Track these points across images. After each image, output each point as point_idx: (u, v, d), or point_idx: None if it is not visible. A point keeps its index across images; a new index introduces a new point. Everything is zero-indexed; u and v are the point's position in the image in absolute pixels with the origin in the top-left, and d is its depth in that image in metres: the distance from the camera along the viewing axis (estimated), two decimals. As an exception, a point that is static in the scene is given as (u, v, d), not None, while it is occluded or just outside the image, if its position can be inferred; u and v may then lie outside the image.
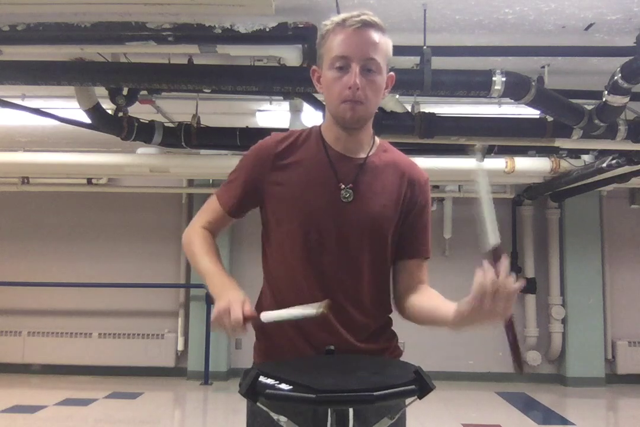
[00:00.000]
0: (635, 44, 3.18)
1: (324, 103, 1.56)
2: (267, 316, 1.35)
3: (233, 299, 1.32)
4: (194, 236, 1.57)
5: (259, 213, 1.57)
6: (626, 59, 3.14)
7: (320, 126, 1.57)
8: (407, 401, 1.31)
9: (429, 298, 1.48)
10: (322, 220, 1.47)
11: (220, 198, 1.58)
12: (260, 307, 1.57)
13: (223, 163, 5.20)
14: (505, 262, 1.18)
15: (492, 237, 1.26)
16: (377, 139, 1.59)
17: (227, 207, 1.56)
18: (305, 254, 1.47)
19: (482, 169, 1.32)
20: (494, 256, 1.22)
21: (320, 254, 1.47)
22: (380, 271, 1.52)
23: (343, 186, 1.48)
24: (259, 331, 1.56)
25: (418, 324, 1.51)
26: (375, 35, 1.42)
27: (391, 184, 1.52)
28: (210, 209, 1.60)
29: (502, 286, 1.17)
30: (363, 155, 1.53)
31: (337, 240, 1.47)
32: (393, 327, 1.59)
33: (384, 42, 1.44)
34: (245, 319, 1.29)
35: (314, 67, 1.53)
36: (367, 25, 1.41)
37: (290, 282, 1.49)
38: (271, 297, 1.53)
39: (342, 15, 1.43)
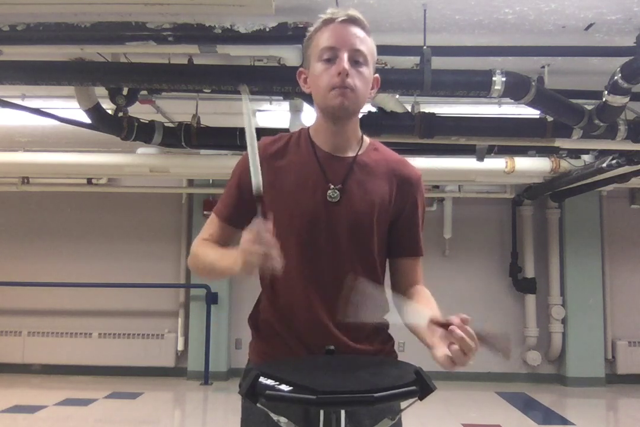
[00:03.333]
0: (635, 44, 3.18)
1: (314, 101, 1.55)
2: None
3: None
4: (196, 248, 1.54)
5: None
6: (626, 59, 3.14)
7: (309, 128, 1.58)
8: (408, 402, 1.31)
9: (416, 306, 1.45)
10: (311, 221, 1.47)
11: (216, 209, 1.58)
12: (257, 310, 1.57)
13: (223, 163, 5.20)
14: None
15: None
16: (367, 138, 1.59)
17: (223, 216, 1.55)
18: (297, 256, 1.46)
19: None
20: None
21: (312, 255, 1.47)
22: (371, 271, 1.51)
23: (332, 186, 1.48)
24: (254, 330, 1.56)
25: None
26: (361, 32, 1.45)
27: (381, 182, 1.51)
28: (209, 222, 1.59)
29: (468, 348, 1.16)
30: (352, 155, 1.53)
31: (327, 240, 1.47)
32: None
33: (370, 40, 1.47)
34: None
35: (300, 69, 1.54)
36: (353, 20, 1.44)
37: (283, 282, 1.48)
38: (265, 297, 1.54)
39: (327, 12, 1.46)
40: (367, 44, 1.45)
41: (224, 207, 1.56)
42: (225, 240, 1.54)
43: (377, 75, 1.51)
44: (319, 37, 1.46)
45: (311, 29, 1.49)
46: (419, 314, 1.30)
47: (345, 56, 1.41)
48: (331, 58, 1.43)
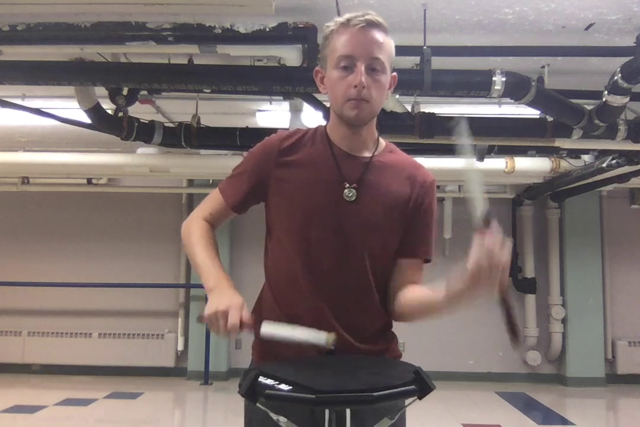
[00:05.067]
0: (635, 44, 3.18)
1: (328, 104, 1.56)
2: (267, 329, 1.34)
3: (232, 303, 1.31)
4: (194, 226, 1.55)
5: (262, 210, 1.56)
6: (626, 59, 3.14)
7: (325, 126, 1.57)
8: (407, 401, 1.31)
9: (416, 290, 1.48)
10: (324, 218, 1.46)
11: (224, 192, 1.56)
12: (260, 303, 1.57)
13: (223, 163, 5.21)
14: (496, 231, 1.18)
15: (480, 206, 1.21)
16: (383, 141, 1.59)
17: (231, 202, 1.55)
18: (304, 252, 1.46)
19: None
20: (485, 226, 1.19)
21: (320, 252, 1.46)
22: (380, 271, 1.51)
23: (347, 185, 1.47)
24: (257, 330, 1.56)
25: (411, 321, 1.51)
26: (380, 35, 1.43)
27: (396, 184, 1.51)
28: (213, 202, 1.58)
29: (496, 258, 1.17)
30: (368, 155, 1.52)
31: (337, 239, 1.46)
32: (393, 328, 1.58)
33: (388, 42, 1.45)
34: (242, 326, 1.28)
35: (317, 68, 1.54)
36: (372, 25, 1.42)
37: (289, 280, 1.48)
38: (270, 293, 1.53)
39: (346, 15, 1.44)
40: (385, 48, 1.44)
41: (233, 192, 1.54)
42: (222, 221, 1.59)
43: (394, 73, 1.50)
44: (336, 40, 1.44)
45: (329, 27, 1.47)
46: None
47: (362, 67, 1.40)
48: (348, 66, 1.42)
